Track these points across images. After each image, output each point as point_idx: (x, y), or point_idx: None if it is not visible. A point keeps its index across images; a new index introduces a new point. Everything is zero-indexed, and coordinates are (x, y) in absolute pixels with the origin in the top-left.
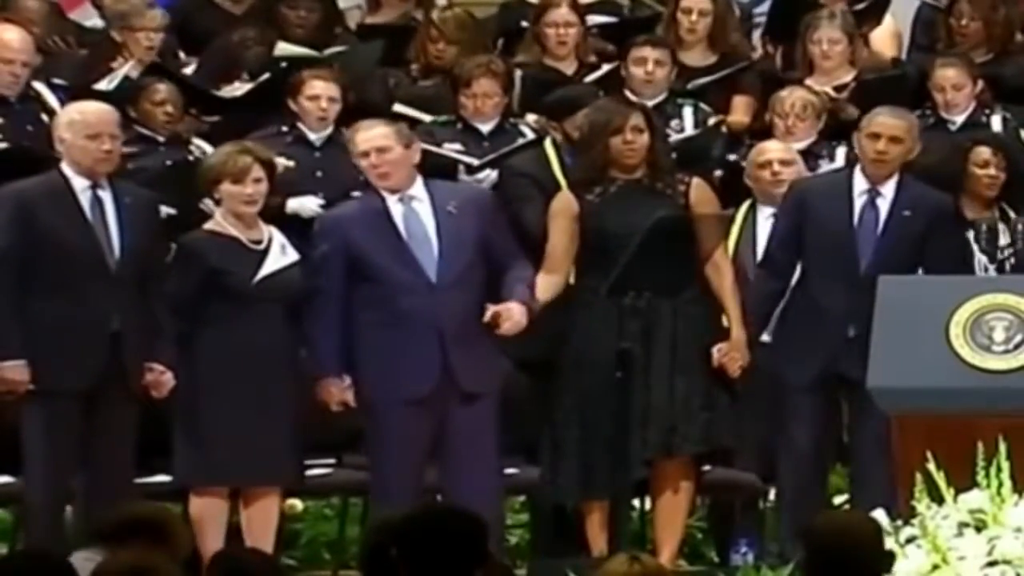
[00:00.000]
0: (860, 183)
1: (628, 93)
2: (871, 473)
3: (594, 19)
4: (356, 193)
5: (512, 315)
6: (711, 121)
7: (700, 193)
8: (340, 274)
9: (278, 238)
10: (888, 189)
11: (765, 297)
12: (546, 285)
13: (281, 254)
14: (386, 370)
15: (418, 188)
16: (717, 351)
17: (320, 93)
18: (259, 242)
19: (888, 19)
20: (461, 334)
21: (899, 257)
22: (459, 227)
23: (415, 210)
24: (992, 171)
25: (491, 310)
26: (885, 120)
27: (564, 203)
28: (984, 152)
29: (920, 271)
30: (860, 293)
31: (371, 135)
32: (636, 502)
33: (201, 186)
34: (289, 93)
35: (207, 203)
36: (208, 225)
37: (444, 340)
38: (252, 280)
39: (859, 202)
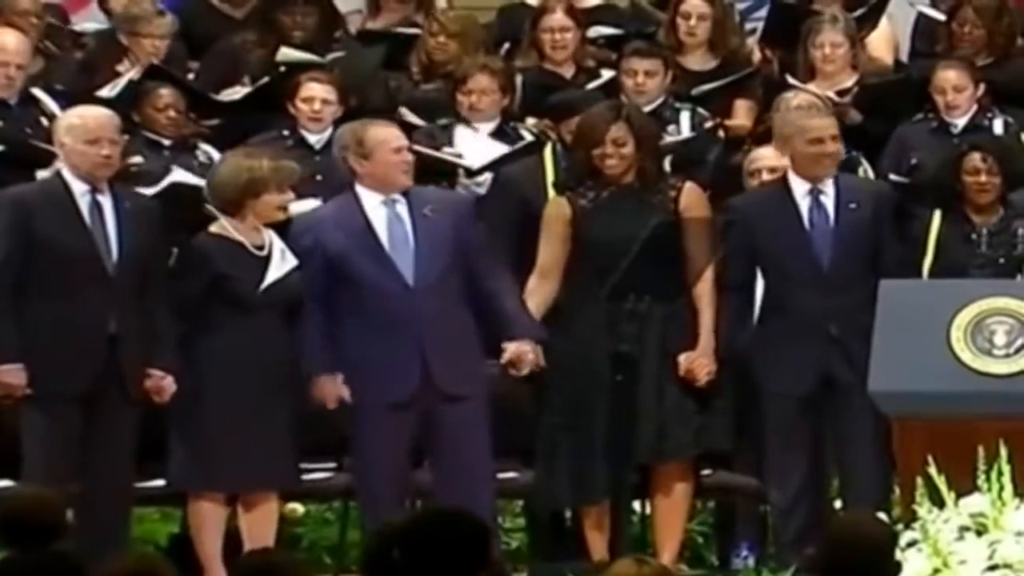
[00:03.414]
0: (799, 185)
1: (624, 100)
2: (862, 475)
3: (598, 30)
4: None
5: (526, 359)
6: (707, 125)
7: (691, 198)
8: (320, 274)
9: (277, 243)
10: (828, 186)
11: (736, 316)
12: (540, 293)
13: (282, 260)
14: (368, 373)
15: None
16: (684, 358)
17: (314, 95)
18: (261, 247)
19: (884, 23)
20: (440, 337)
21: (857, 249)
22: (435, 231)
23: (398, 213)
24: (983, 178)
25: (506, 355)
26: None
27: (557, 209)
28: (975, 159)
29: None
30: (831, 292)
31: (399, 132)
32: (636, 505)
33: (240, 197)
34: (287, 96)
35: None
36: (213, 228)
37: (423, 343)
38: (258, 288)
39: (804, 204)
